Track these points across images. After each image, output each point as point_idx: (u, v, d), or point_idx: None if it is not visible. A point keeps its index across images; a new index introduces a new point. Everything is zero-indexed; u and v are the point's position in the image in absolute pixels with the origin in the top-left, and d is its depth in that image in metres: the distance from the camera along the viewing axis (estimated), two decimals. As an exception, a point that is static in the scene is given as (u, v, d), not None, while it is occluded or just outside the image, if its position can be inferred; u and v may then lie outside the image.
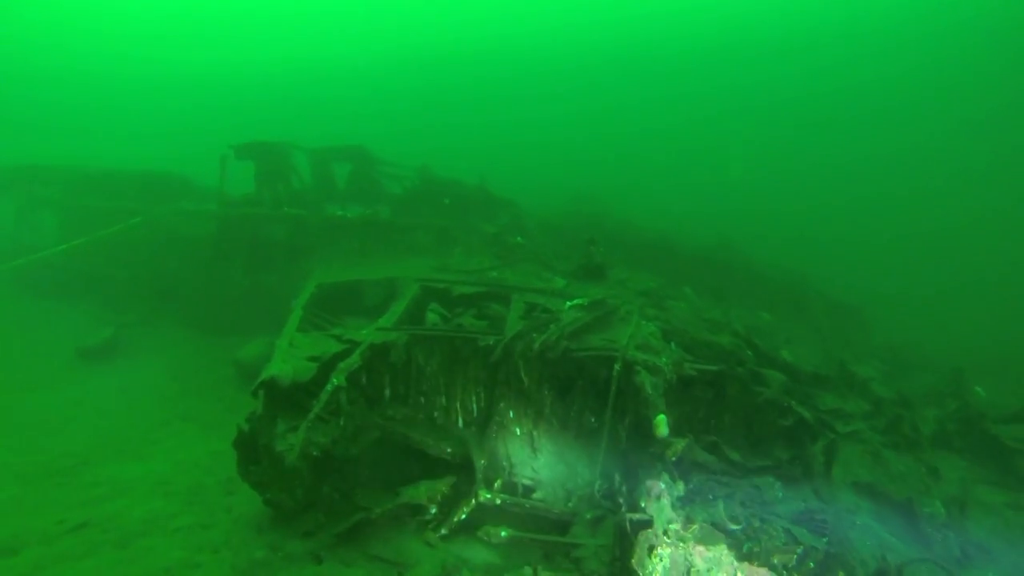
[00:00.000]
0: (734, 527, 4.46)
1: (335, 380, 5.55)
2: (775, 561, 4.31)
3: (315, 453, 5.16)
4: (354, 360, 5.78)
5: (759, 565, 4.19)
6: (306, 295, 7.52)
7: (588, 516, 5.01)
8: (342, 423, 5.47)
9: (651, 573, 3.82)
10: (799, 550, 4.42)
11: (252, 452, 5.22)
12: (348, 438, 5.53)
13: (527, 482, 5.60)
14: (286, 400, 5.55)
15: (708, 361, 6.12)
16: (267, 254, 10.56)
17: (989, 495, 7.12)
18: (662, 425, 4.97)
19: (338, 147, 12.70)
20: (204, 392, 8.60)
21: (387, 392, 6.15)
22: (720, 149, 47.70)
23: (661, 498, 4.23)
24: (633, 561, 4.02)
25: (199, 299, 10.87)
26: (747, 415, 5.72)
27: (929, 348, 13.33)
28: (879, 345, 12.68)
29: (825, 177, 43.85)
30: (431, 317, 6.86)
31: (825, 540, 4.57)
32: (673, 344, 6.27)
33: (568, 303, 7.00)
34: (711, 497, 4.85)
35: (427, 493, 5.45)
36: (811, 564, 4.39)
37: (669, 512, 4.17)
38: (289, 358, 5.85)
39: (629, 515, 4.44)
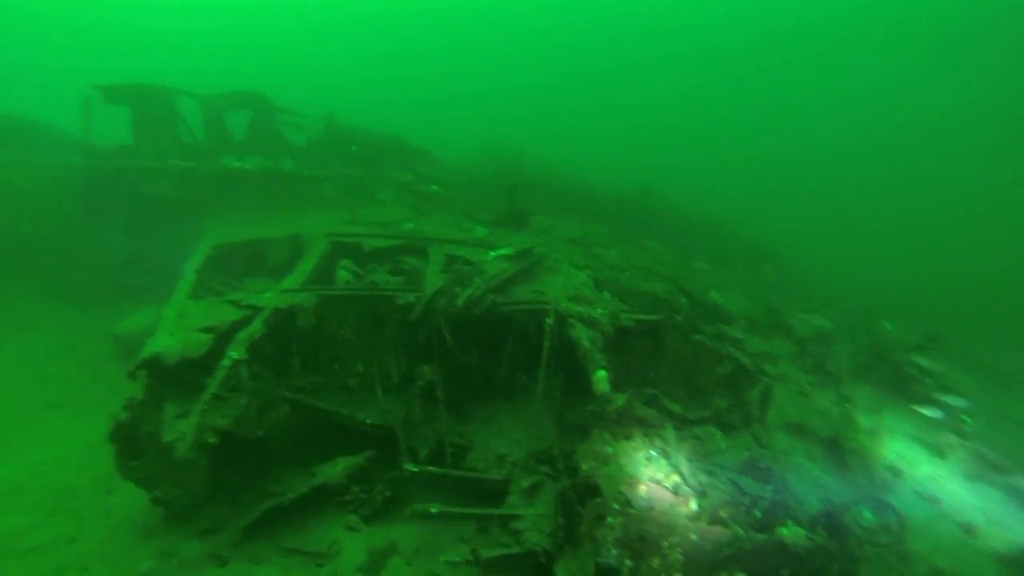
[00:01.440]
0: (682, 483, 4.23)
1: (233, 353, 4.96)
2: (723, 515, 4.13)
3: (212, 440, 4.49)
4: (256, 328, 5.21)
5: (709, 521, 3.99)
6: (200, 257, 6.79)
7: (525, 484, 4.64)
8: (244, 401, 4.86)
9: (603, 544, 3.48)
10: (747, 500, 4.27)
11: (134, 445, 4.46)
12: (252, 417, 4.92)
13: (456, 451, 5.16)
14: (174, 380, 4.86)
15: (643, 310, 5.85)
16: (151, 212, 9.31)
17: (898, 423, 7.46)
18: (602, 381, 4.62)
19: (233, 93, 11.49)
20: (76, 374, 7.37)
21: (296, 361, 5.57)
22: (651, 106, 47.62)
23: (609, 462, 3.89)
24: (582, 532, 3.69)
25: (66, 266, 9.47)
26: (685, 365, 5.50)
27: (837, 289, 13.93)
28: (793, 286, 13.09)
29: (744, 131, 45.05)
30: (342, 275, 6.34)
31: (771, 488, 4.45)
32: (607, 294, 5.93)
33: (492, 253, 6.61)
34: (655, 454, 4.61)
35: (346, 471, 4.94)
36: (758, 513, 4.24)
37: (618, 476, 3.83)
38: (177, 330, 5.21)
39: (573, 481, 4.11)
